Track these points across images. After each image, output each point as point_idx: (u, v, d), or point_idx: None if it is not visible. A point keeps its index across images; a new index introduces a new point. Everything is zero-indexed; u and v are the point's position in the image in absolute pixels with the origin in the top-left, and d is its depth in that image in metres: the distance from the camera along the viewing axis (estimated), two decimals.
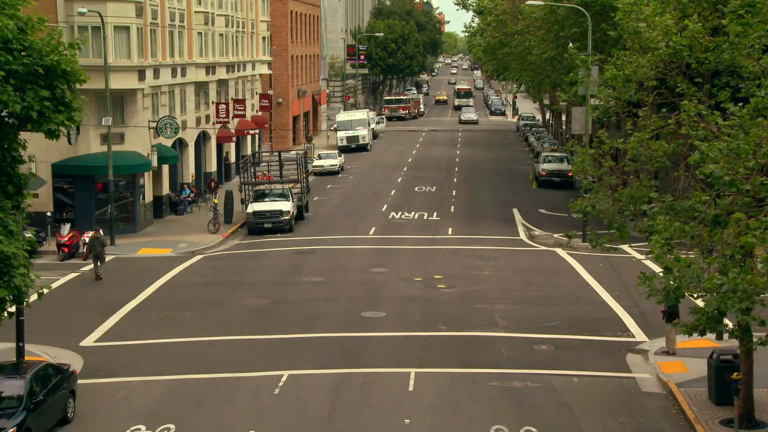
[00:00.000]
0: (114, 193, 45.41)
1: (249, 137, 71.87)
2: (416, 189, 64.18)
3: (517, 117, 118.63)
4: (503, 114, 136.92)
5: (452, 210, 56.06)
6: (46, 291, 23.22)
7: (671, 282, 20.23)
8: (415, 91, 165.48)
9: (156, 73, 50.76)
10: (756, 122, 20.97)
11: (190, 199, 55.12)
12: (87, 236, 42.60)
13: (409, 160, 79.92)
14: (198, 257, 43.68)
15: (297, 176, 55.56)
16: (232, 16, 66.21)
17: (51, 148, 42.70)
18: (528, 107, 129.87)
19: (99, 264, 38.44)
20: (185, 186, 55.87)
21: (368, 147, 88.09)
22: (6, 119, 22.04)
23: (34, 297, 24.08)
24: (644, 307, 32.24)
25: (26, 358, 25.93)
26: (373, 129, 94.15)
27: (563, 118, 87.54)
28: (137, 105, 48.64)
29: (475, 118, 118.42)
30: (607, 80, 27.13)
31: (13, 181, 22.61)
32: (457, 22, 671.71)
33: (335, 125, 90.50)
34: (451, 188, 64.49)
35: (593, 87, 30.54)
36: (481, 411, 23.82)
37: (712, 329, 20.33)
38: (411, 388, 25.40)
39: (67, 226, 42.78)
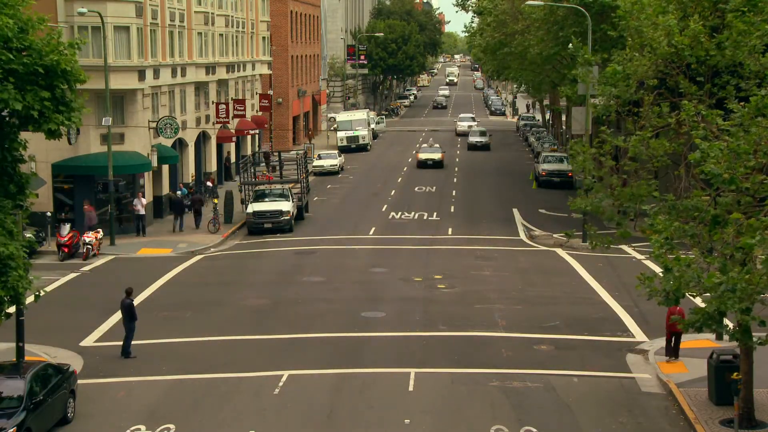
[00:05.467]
0: (114, 193, 45.37)
1: (249, 137, 71.81)
2: (416, 189, 64.14)
3: (517, 117, 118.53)
4: (503, 114, 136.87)
5: (452, 210, 56.03)
6: (42, 293, 23.22)
7: (670, 282, 20.20)
8: (415, 91, 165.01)
9: (156, 73, 50.73)
10: (756, 122, 20.94)
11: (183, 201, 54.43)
12: (87, 236, 42.65)
13: (409, 160, 79.84)
14: (198, 257, 43.65)
15: (297, 176, 55.53)
16: (232, 16, 66.17)
17: (51, 148, 42.69)
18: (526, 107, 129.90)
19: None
20: (181, 186, 55.64)
21: (368, 147, 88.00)
22: (7, 119, 22.02)
23: (30, 299, 24.08)
24: (644, 307, 32.19)
25: (26, 358, 25.91)
26: (373, 129, 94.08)
27: (563, 118, 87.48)
28: (137, 105, 48.60)
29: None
30: (608, 77, 27.08)
31: (15, 180, 22.60)
32: (457, 22, 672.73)
33: (335, 125, 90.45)
34: (451, 188, 64.45)
35: (593, 86, 30.52)
36: (481, 411, 23.80)
37: (710, 328, 20.29)
38: (411, 388, 25.38)
39: (67, 226, 42.73)
